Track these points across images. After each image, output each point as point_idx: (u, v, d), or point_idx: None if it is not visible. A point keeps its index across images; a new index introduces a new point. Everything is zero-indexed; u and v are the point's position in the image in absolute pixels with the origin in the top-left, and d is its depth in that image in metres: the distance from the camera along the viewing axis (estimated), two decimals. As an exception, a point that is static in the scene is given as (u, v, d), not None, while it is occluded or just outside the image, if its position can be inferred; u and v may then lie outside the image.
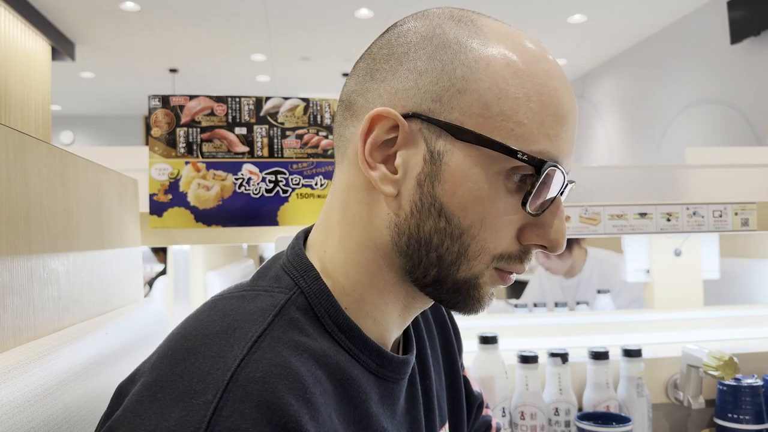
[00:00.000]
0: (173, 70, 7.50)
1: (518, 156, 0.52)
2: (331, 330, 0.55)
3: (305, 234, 0.64)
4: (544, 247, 0.56)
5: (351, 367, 0.54)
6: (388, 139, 0.55)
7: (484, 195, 0.53)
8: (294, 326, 0.52)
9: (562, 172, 0.55)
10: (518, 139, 0.52)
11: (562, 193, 0.56)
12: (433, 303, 0.62)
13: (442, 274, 0.55)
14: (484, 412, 0.85)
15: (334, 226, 0.59)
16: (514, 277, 0.58)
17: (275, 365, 0.47)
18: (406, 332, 0.66)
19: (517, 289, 3.13)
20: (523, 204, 0.53)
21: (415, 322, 0.70)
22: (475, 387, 0.83)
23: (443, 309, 0.79)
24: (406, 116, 0.54)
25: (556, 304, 2.14)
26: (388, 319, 0.59)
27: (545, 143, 0.53)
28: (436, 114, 0.53)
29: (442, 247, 0.54)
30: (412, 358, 0.63)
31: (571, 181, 0.58)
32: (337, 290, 0.57)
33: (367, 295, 0.57)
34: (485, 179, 0.53)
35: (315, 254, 0.60)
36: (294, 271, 0.57)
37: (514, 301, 2.48)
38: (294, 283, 0.56)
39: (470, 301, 0.57)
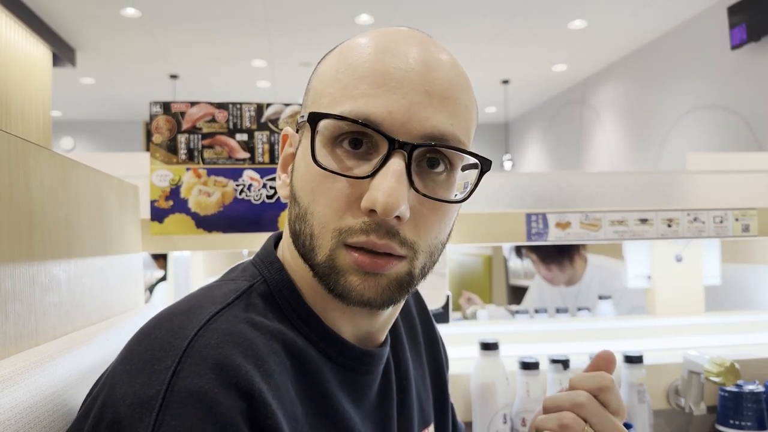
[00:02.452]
0: (174, 76, 7.51)
1: (305, 118, 0.54)
2: (291, 317, 0.58)
3: (279, 236, 0.67)
4: (372, 211, 0.51)
5: (308, 349, 0.57)
6: (292, 153, 0.61)
7: (312, 169, 0.54)
8: (253, 309, 0.56)
9: (364, 124, 0.52)
10: (325, 109, 0.55)
11: (391, 153, 0.52)
12: (402, 305, 0.65)
13: (309, 261, 0.56)
14: None
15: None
16: (373, 262, 0.53)
17: (230, 334, 0.51)
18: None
19: (518, 295, 3.13)
20: (314, 158, 0.53)
21: (395, 324, 0.71)
22: (458, 418, 0.86)
23: (431, 320, 0.81)
24: (297, 131, 0.61)
25: (558, 311, 2.13)
26: (335, 315, 0.59)
27: (348, 104, 0.53)
28: (299, 119, 0.59)
29: (301, 233, 0.56)
30: (380, 352, 0.63)
31: (403, 143, 0.52)
32: (300, 282, 0.60)
33: (310, 290, 0.59)
34: (310, 153, 0.54)
35: (283, 250, 0.63)
36: (260, 263, 0.62)
37: (514, 307, 2.47)
38: (258, 273, 0.60)
39: (344, 291, 0.54)
